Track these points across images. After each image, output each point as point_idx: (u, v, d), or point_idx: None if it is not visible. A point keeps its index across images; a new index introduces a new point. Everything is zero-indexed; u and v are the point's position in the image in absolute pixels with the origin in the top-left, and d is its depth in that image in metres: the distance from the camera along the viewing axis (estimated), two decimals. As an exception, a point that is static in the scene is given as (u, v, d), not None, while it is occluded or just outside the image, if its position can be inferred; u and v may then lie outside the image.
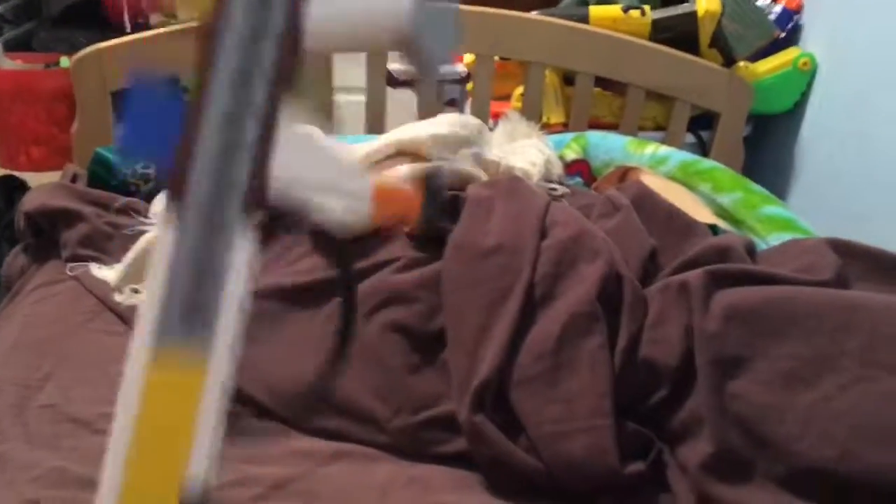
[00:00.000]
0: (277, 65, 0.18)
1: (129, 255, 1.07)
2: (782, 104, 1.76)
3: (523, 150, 1.17)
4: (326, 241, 1.00)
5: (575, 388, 0.80)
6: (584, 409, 0.78)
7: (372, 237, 0.99)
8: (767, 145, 1.88)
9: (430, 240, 0.97)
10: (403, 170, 1.02)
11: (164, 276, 0.18)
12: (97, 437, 0.84)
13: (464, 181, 1.06)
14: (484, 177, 1.07)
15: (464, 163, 1.06)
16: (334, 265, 0.99)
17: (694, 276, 0.83)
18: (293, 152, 0.19)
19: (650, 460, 0.80)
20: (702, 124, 1.84)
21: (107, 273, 1.10)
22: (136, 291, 1.06)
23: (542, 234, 0.92)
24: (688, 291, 0.82)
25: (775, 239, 1.12)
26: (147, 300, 0.18)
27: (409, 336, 0.89)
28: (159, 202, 1.14)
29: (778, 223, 1.19)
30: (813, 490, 0.71)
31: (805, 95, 1.76)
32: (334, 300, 0.95)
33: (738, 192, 1.26)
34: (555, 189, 1.15)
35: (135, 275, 1.06)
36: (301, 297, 0.97)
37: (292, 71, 0.19)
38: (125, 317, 1.05)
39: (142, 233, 1.10)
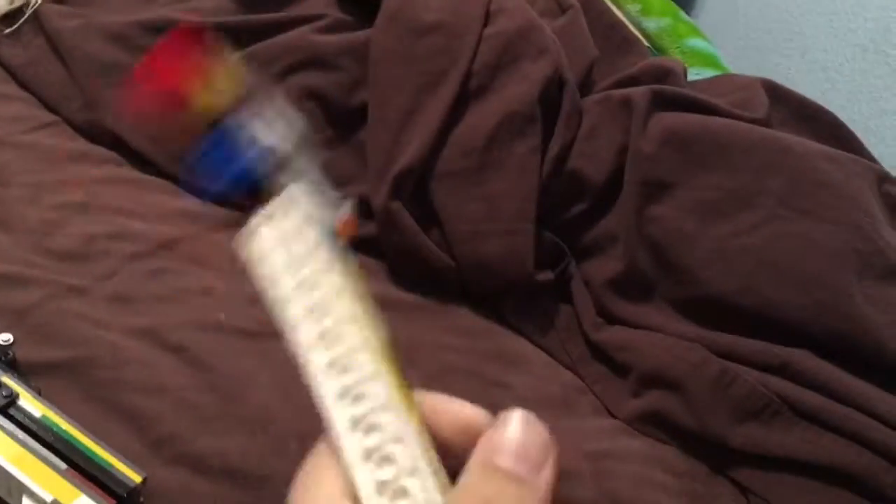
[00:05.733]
0: None
1: None
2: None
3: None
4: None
5: (500, 189, 0.76)
6: (507, 212, 0.76)
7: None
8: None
9: (361, 2, 0.85)
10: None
11: None
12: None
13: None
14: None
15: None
16: (242, 9, 0.86)
17: (638, 93, 0.79)
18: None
19: (559, 271, 0.79)
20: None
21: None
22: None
23: (486, 21, 0.83)
24: (630, 108, 0.79)
25: (695, 74, 1.11)
26: None
27: (326, 106, 0.81)
28: None
29: (701, 57, 1.17)
30: (709, 317, 0.73)
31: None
32: (238, 53, 0.83)
33: (668, 19, 1.22)
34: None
35: None
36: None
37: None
38: None
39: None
